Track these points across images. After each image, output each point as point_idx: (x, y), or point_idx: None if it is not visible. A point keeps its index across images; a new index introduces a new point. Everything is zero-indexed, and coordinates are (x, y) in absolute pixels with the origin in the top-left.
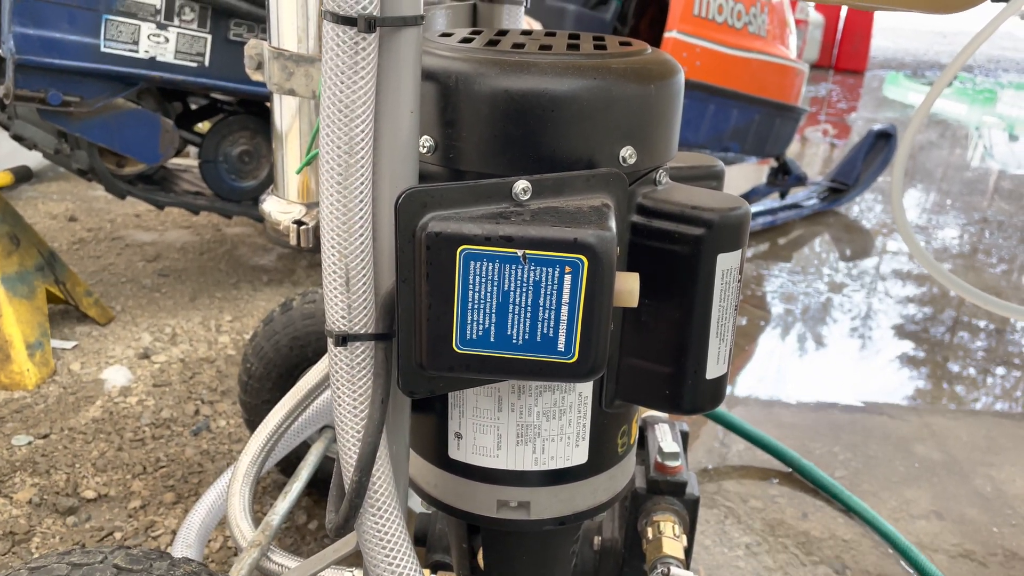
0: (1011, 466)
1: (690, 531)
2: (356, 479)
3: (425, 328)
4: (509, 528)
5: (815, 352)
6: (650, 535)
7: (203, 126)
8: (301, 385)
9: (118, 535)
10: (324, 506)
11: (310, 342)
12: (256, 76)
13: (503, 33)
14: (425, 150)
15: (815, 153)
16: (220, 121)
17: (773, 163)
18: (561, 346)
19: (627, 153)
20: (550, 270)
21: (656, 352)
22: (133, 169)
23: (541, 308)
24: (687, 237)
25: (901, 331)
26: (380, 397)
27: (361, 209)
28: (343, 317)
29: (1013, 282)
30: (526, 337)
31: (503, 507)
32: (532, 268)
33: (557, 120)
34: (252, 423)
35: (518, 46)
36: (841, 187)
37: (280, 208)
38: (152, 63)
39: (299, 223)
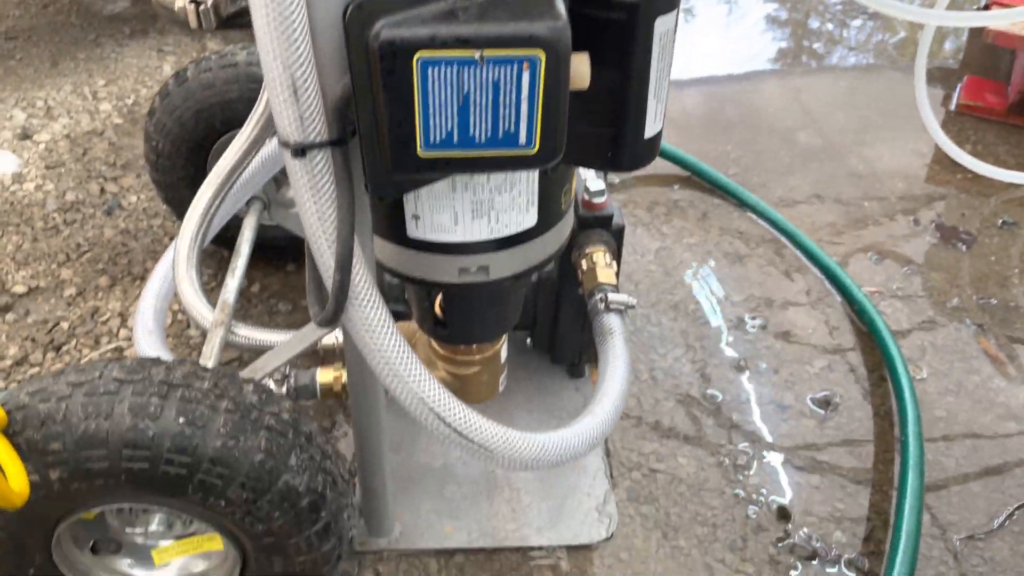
0: (881, 144)
1: (617, 256)
2: (338, 278)
3: (387, 136)
4: (470, 289)
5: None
6: (584, 266)
7: None
8: (222, 165)
9: (65, 325)
10: (261, 270)
11: (215, 113)
12: None
13: None
14: None
15: None
16: None
17: None
18: (523, 139)
19: None
20: (508, 68)
21: (598, 117)
22: None
23: (501, 105)
24: (624, 4)
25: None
26: (347, 200)
27: (298, 14)
28: (297, 128)
29: None
30: (488, 134)
31: (464, 272)
32: (490, 68)
33: None
34: (170, 200)
35: None
36: None
37: None
38: None
39: (196, 2)
